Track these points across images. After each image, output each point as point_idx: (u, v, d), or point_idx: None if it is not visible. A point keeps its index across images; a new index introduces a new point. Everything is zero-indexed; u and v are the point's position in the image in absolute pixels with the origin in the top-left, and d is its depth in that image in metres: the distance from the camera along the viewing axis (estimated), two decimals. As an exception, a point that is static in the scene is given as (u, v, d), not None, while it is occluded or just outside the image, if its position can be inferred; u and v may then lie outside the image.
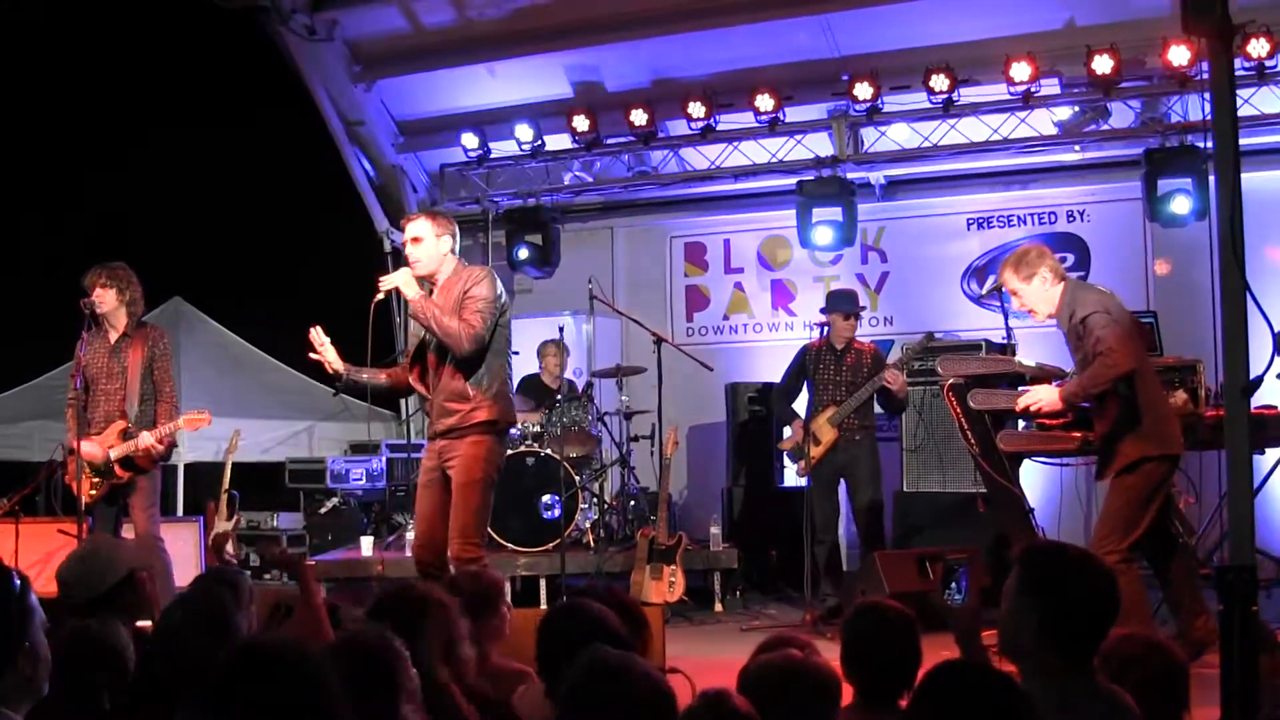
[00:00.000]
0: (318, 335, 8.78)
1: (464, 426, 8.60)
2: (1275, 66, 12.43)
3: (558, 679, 4.43)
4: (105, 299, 10.32)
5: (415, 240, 8.71)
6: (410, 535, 12.04)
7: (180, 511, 15.99)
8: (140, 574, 6.65)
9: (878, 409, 12.49)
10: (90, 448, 10.17)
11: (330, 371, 8.79)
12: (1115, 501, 8.18)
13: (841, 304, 12.47)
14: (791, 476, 13.89)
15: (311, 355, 8.84)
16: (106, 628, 5.12)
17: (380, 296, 8.70)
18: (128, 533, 10.42)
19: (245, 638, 4.66)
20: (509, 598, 6.67)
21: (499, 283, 8.79)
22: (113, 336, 10.44)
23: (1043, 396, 8.67)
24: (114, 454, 10.18)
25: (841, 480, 12.29)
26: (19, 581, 3.72)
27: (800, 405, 12.35)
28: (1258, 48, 12.21)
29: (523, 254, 16.34)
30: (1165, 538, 8.37)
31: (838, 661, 4.86)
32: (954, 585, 5.25)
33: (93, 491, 10.23)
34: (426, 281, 8.75)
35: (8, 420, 18.13)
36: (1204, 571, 7.65)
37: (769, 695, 4.37)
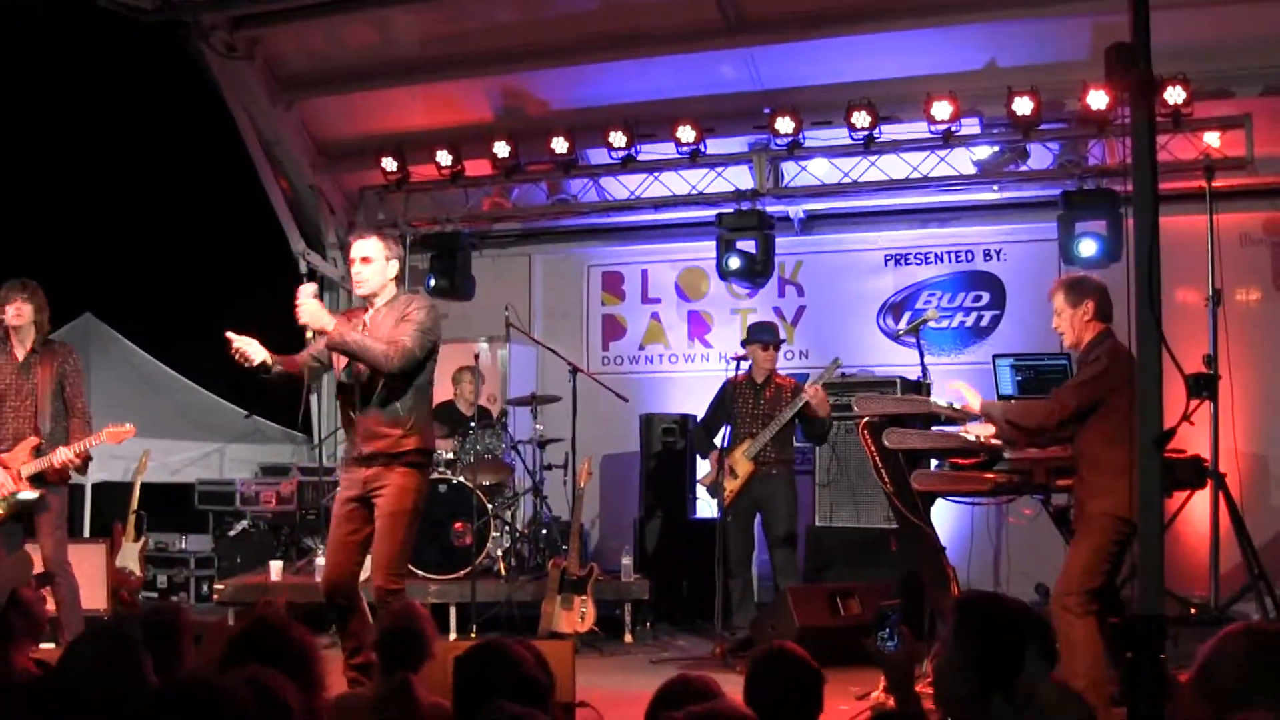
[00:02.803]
0: (235, 337, 8.50)
1: (394, 454, 8.45)
2: (1190, 113, 12.57)
3: None
4: (23, 313, 10.29)
5: (365, 260, 8.60)
6: (320, 561, 11.96)
7: (87, 532, 15.79)
8: (25, 592, 6.56)
9: (798, 442, 12.54)
10: None
11: (258, 365, 8.49)
12: (1078, 550, 8.19)
13: (761, 335, 12.55)
14: (704, 508, 13.95)
15: (237, 358, 8.50)
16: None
17: (309, 334, 8.64)
18: (33, 553, 10.12)
19: (175, 679, 4.58)
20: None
21: (439, 317, 8.74)
22: (20, 353, 10.38)
23: (969, 397, 8.75)
24: (26, 470, 10.07)
25: (757, 513, 12.32)
26: None
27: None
28: (1174, 95, 12.33)
29: (439, 280, 16.28)
30: (1111, 589, 8.39)
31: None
32: (886, 631, 5.25)
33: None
34: (364, 301, 8.70)
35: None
36: (1113, 620, 7.67)
37: None
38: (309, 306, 8.39)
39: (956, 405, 9.01)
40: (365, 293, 8.65)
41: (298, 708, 4.18)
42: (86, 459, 10.45)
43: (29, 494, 10.14)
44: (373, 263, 8.62)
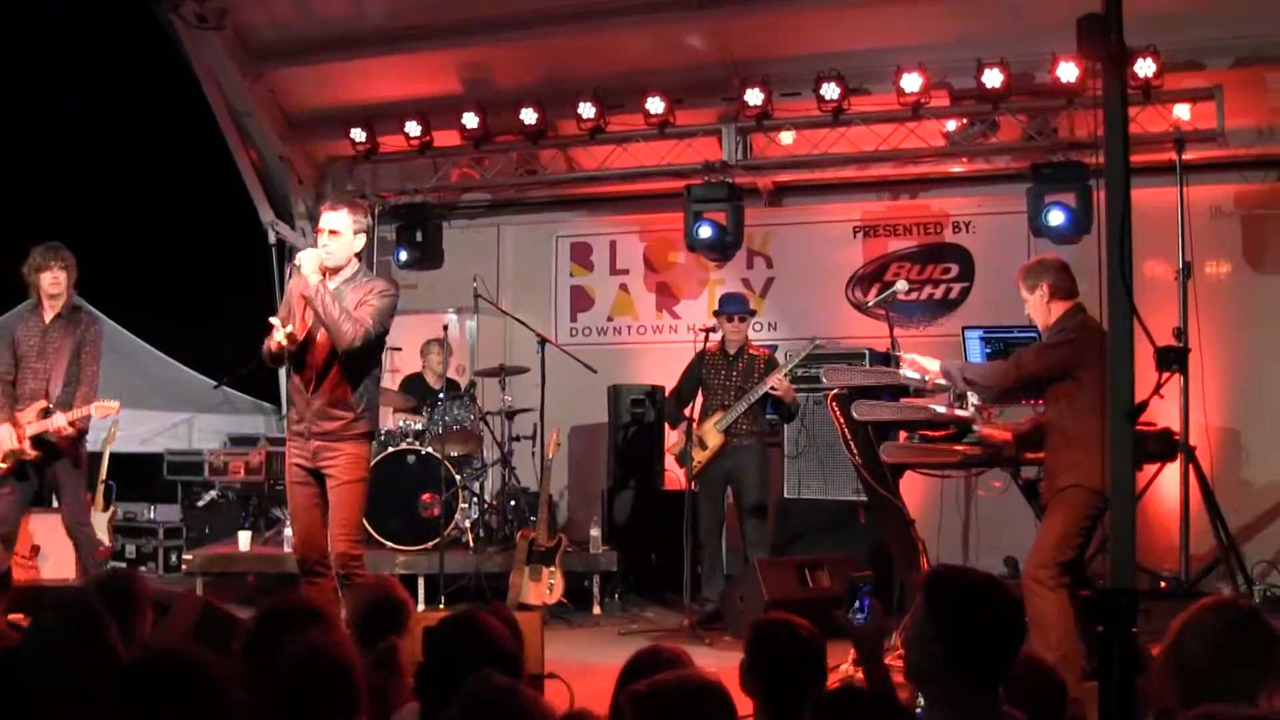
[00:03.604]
0: (276, 321, 8.73)
1: (344, 435, 8.65)
2: (1160, 86, 12.57)
3: (439, 695, 4.40)
4: (59, 281, 10.63)
5: (334, 233, 8.68)
6: (289, 531, 11.97)
7: (55, 502, 15.77)
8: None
9: (769, 416, 12.54)
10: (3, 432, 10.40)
11: (291, 345, 8.66)
12: (1050, 524, 8.21)
13: (729, 306, 12.54)
14: (673, 480, 13.91)
15: (281, 338, 8.64)
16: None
17: (294, 265, 8.66)
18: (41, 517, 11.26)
19: (145, 652, 4.57)
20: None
21: (396, 303, 8.87)
22: (48, 316, 10.65)
23: (925, 363, 8.79)
24: (30, 430, 10.37)
25: (728, 485, 12.33)
26: None
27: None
28: (1144, 68, 12.33)
29: (407, 251, 16.31)
30: (1080, 563, 8.40)
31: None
32: (857, 604, 5.26)
33: (2, 464, 10.39)
34: (327, 274, 8.71)
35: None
36: (1084, 593, 7.68)
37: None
38: (311, 252, 8.63)
39: (913, 374, 9.04)
40: (331, 264, 8.68)
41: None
42: (83, 429, 10.70)
43: (29, 453, 10.43)
44: (340, 235, 8.69)
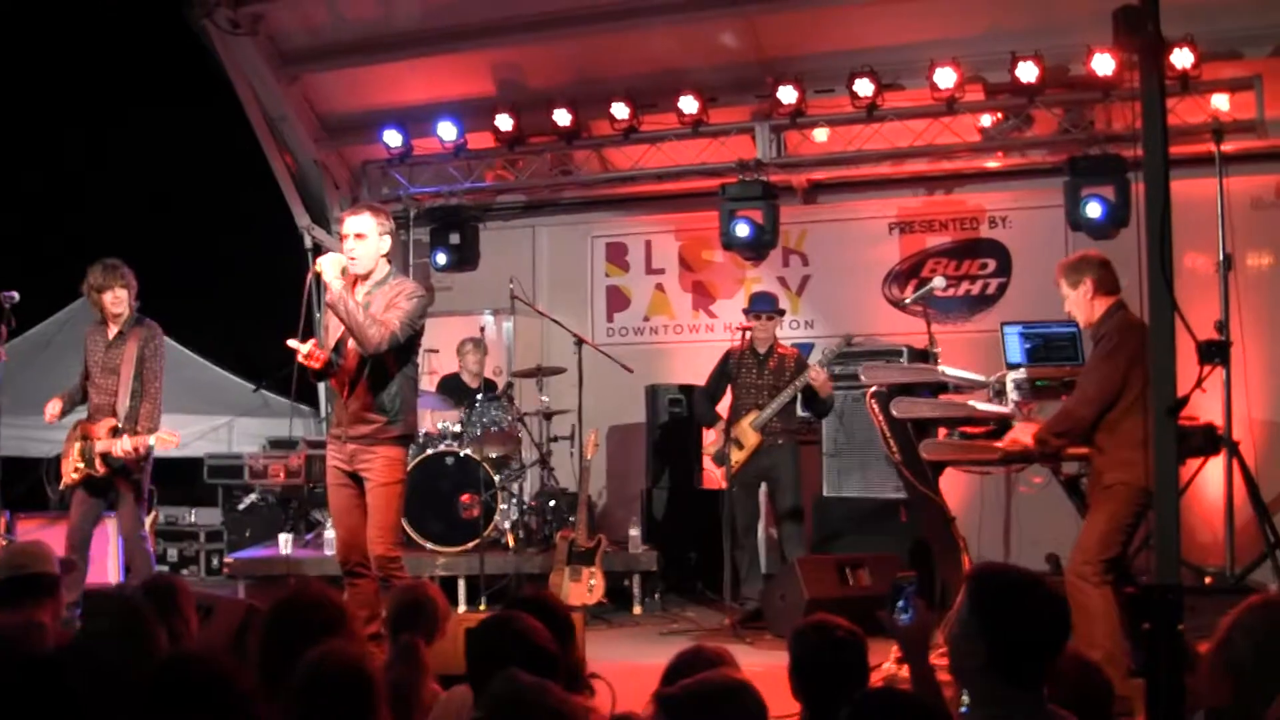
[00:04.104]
0: (298, 345, 8.69)
1: (378, 438, 8.70)
2: (1198, 76, 12.49)
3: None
4: (120, 300, 10.79)
5: (359, 236, 8.69)
6: (329, 534, 11.98)
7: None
8: (63, 575, 6.63)
9: (802, 413, 12.52)
10: (52, 406, 10.82)
11: (320, 364, 8.71)
12: (1095, 520, 8.17)
13: (759, 305, 12.52)
14: (710, 479, 13.88)
15: (307, 363, 8.72)
16: (29, 631, 5.05)
17: (314, 272, 8.66)
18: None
19: (170, 654, 4.59)
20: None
21: (426, 306, 8.89)
22: (111, 331, 10.81)
23: (1019, 435, 8.68)
24: (98, 447, 10.51)
25: (763, 483, 12.32)
26: None
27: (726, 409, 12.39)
28: (1182, 58, 12.26)
29: (443, 253, 16.33)
30: (1124, 560, 8.36)
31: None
32: (901, 603, 5.24)
33: (74, 475, 10.64)
34: (358, 280, 8.71)
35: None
36: (1129, 589, 7.65)
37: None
38: (331, 257, 8.63)
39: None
40: (359, 270, 8.72)
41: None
42: (147, 452, 10.78)
43: (99, 469, 10.58)
44: (366, 239, 8.72)
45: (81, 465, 10.56)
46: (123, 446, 10.40)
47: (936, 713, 3.91)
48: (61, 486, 10.87)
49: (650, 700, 4.29)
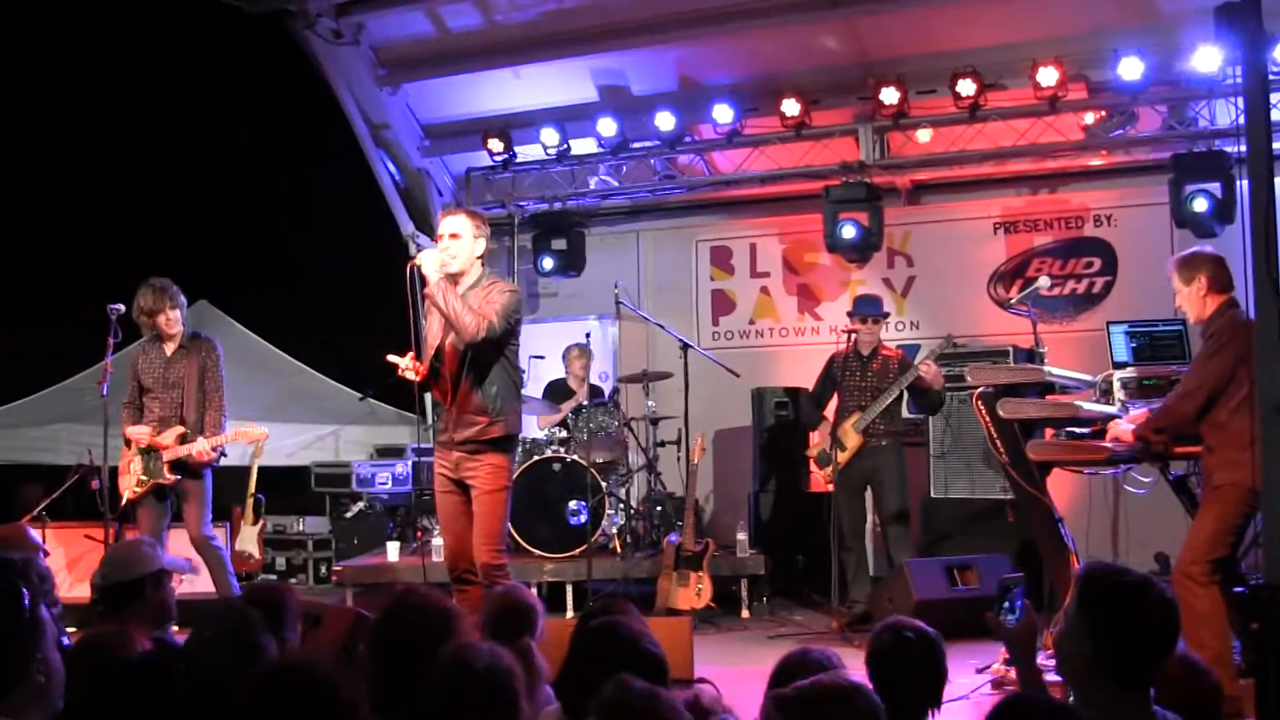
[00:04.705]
0: (394, 358, 8.84)
1: (481, 440, 8.73)
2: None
3: (581, 700, 4.39)
4: (172, 320, 10.91)
5: (454, 236, 8.75)
6: (437, 541, 12.05)
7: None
8: (169, 579, 6.69)
9: (908, 414, 12.48)
10: (139, 431, 10.80)
11: (420, 376, 8.79)
12: (1204, 520, 8.13)
13: (863, 308, 12.50)
14: (817, 482, 13.86)
15: (401, 373, 8.84)
16: (119, 639, 5.09)
17: (414, 264, 8.70)
18: (178, 536, 11.19)
19: (276, 662, 4.62)
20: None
21: (521, 302, 8.95)
22: (169, 349, 10.99)
23: (1120, 431, 8.65)
24: (167, 455, 10.68)
25: (868, 486, 12.30)
26: (28, 598, 3.74)
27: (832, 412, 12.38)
28: (1284, 53, 12.14)
29: (549, 258, 16.37)
30: (1232, 560, 8.31)
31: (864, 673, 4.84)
32: (1009, 604, 5.22)
33: (137, 489, 10.77)
34: (454, 280, 8.77)
35: (36, 423, 18.16)
36: (1237, 590, 7.59)
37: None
38: (430, 253, 8.67)
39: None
40: (454, 269, 8.75)
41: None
42: (222, 453, 11.02)
43: (168, 477, 10.74)
44: (461, 239, 8.76)
45: (145, 477, 10.72)
46: (198, 447, 10.59)
47: (1073, 717, 3.90)
48: (124, 502, 10.94)
49: (764, 701, 4.29)
